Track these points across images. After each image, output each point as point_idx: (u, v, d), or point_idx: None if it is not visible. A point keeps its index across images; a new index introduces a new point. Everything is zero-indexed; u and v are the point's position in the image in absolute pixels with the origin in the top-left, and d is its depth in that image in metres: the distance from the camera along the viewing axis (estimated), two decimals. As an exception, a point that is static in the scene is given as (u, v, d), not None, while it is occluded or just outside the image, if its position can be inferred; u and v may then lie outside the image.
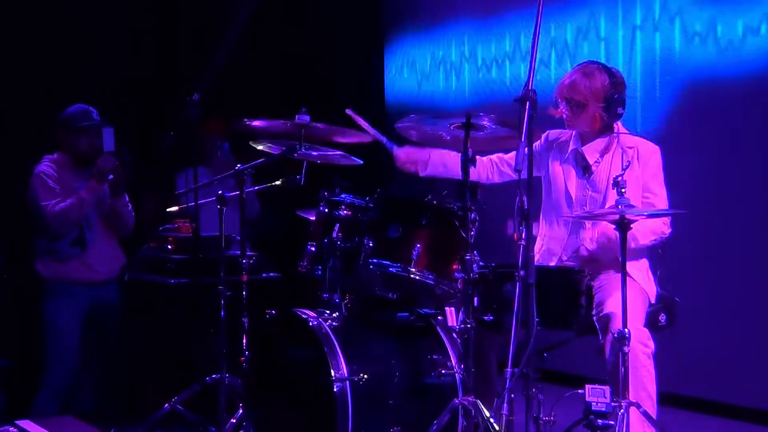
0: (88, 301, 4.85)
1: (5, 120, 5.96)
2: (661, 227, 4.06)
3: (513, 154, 3.34)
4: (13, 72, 6.16)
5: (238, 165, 4.30)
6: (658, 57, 5.69)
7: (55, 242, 4.76)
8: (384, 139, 4.32)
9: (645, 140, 4.18)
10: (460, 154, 3.68)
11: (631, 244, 3.77)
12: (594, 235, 4.09)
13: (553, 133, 4.30)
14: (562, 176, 4.19)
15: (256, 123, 4.16)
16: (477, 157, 4.19)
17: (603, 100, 4.04)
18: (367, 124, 4.31)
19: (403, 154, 4.36)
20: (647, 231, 4.02)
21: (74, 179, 4.82)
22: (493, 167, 4.35)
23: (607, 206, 3.97)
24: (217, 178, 4.54)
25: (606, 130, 4.13)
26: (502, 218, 3.51)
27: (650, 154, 4.10)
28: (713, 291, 5.39)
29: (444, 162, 4.30)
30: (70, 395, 4.86)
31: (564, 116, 4.14)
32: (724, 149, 5.41)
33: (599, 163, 4.13)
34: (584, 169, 4.15)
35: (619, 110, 4.07)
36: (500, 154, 4.33)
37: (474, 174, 4.21)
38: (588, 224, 4.11)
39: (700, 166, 5.43)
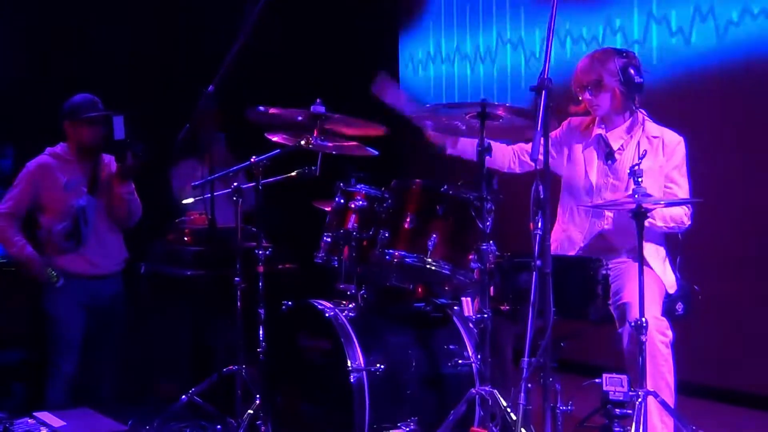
0: (88, 293, 4.84)
1: (21, 110, 6.00)
2: (681, 216, 4.02)
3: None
4: (26, 61, 6.19)
5: (253, 157, 4.28)
6: (674, 44, 5.66)
7: (49, 235, 4.78)
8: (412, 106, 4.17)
9: (670, 130, 4.14)
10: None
11: (646, 224, 3.70)
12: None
13: (575, 120, 4.28)
14: (582, 162, 4.17)
15: (272, 110, 4.14)
16: (502, 144, 4.18)
17: (617, 73, 4.01)
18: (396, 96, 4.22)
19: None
20: (666, 216, 3.99)
21: (75, 171, 4.82)
22: (514, 156, 4.33)
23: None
24: (233, 170, 4.50)
25: (628, 107, 4.10)
26: (518, 208, 3.49)
27: (675, 144, 4.08)
28: (732, 279, 5.36)
29: (474, 143, 4.25)
30: (87, 387, 4.88)
31: (586, 103, 4.11)
32: (745, 138, 5.37)
33: (623, 150, 4.10)
34: (607, 155, 4.11)
35: (636, 79, 4.03)
36: (521, 144, 4.31)
37: (495, 161, 4.20)
38: (608, 212, 4.09)
39: (720, 155, 5.39)
